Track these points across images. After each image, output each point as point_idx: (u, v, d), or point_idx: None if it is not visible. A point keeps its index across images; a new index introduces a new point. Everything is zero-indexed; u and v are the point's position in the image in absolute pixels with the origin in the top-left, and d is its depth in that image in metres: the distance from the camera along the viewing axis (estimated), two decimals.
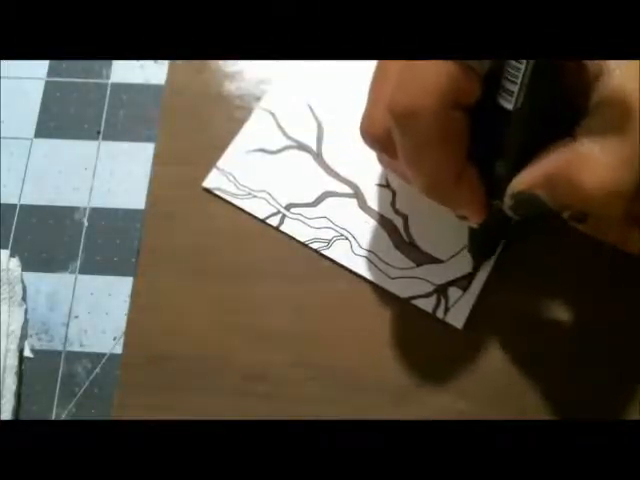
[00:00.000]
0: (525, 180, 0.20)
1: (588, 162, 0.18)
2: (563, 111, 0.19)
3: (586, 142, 0.19)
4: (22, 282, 0.26)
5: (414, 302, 0.25)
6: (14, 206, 0.28)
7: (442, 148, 0.20)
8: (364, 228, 0.26)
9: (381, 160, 0.24)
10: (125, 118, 0.29)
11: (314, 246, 0.26)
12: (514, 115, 0.19)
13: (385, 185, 0.27)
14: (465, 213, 0.22)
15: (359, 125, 0.23)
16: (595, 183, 0.18)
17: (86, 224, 0.28)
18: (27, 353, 0.26)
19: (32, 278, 0.27)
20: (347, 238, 0.26)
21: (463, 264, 0.25)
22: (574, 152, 0.19)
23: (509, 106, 0.19)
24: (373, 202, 0.26)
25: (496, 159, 0.21)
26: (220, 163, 0.27)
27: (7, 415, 0.24)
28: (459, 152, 0.20)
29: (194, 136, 0.28)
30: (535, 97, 0.19)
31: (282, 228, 0.26)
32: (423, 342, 0.25)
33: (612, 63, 0.19)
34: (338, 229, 0.26)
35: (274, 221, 0.26)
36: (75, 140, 0.29)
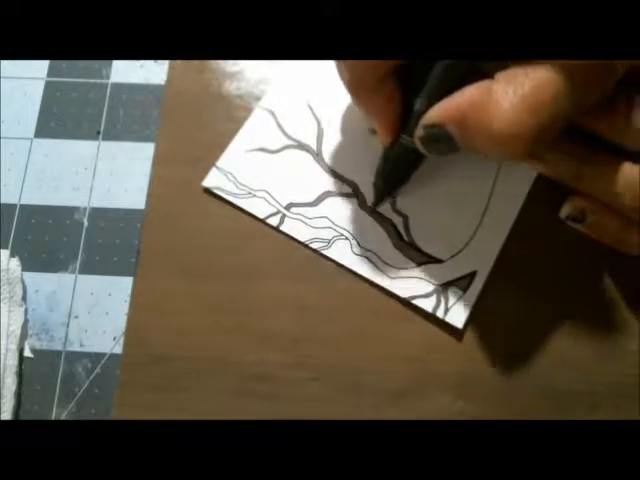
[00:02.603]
0: (437, 113, 0.20)
1: (497, 103, 0.19)
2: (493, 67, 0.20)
3: (502, 84, 0.19)
4: (22, 282, 0.26)
5: (414, 302, 0.25)
6: (14, 206, 0.28)
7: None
8: (364, 228, 0.26)
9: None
10: (125, 118, 0.29)
11: (314, 246, 0.26)
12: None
13: None
14: (377, 125, 0.23)
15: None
16: (500, 124, 0.19)
17: (86, 224, 0.28)
18: (27, 353, 0.26)
19: (32, 278, 0.27)
20: (347, 238, 0.26)
21: (463, 264, 0.25)
22: (487, 91, 0.19)
23: None
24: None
25: (416, 96, 0.22)
26: (220, 163, 0.27)
27: (7, 415, 0.24)
28: (382, 63, 0.21)
29: (194, 136, 0.28)
30: None
31: (282, 228, 0.26)
32: (423, 342, 0.25)
33: None
34: (338, 229, 0.26)
35: (274, 221, 0.26)
36: (75, 140, 0.29)
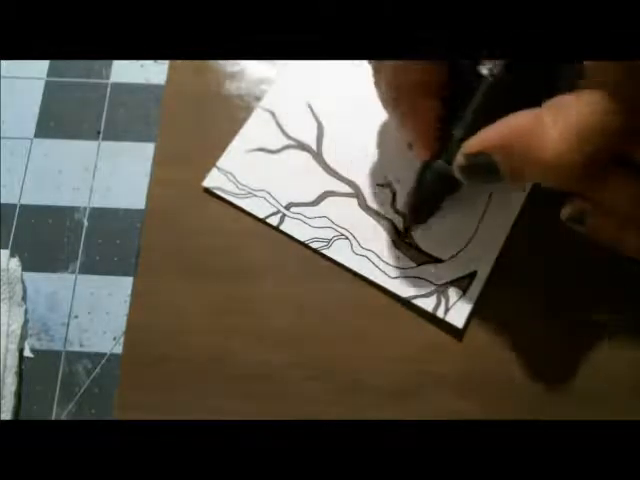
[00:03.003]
0: (483, 140, 0.19)
1: (547, 132, 0.18)
2: (546, 94, 0.19)
3: (551, 112, 0.18)
4: (22, 282, 0.26)
5: (414, 302, 0.25)
6: (14, 206, 0.28)
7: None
8: (364, 228, 0.26)
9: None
10: (125, 118, 0.29)
11: (314, 246, 0.26)
12: (485, 81, 0.20)
13: (385, 185, 0.27)
14: (415, 139, 0.23)
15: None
16: (549, 154, 0.18)
17: (86, 224, 0.27)
18: (27, 353, 0.26)
19: (32, 278, 0.27)
20: (347, 238, 0.26)
21: (463, 264, 0.25)
22: (536, 119, 0.19)
23: (485, 71, 0.19)
24: (373, 202, 0.26)
25: (457, 121, 0.21)
26: (220, 163, 0.27)
27: (7, 415, 0.24)
28: (429, 74, 0.22)
29: (194, 136, 0.28)
30: (512, 69, 0.19)
31: (282, 227, 0.26)
32: (423, 342, 0.25)
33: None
34: (338, 229, 0.26)
35: (274, 220, 0.26)
36: (75, 140, 0.29)
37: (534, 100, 0.19)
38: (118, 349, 0.26)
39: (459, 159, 0.20)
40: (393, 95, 0.22)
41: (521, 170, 0.19)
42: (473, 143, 0.20)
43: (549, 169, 0.18)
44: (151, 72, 0.30)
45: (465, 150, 0.20)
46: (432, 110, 0.22)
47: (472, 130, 0.20)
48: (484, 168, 0.20)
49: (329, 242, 0.26)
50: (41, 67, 0.30)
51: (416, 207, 0.25)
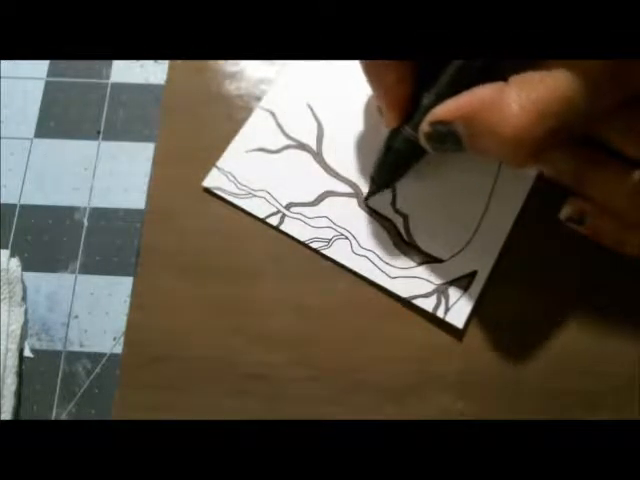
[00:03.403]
0: (446, 109, 0.20)
1: (509, 105, 0.18)
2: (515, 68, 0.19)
3: (515, 87, 0.19)
4: (22, 282, 0.26)
5: (414, 302, 0.25)
6: (14, 206, 0.28)
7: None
8: (364, 228, 0.26)
9: None
10: (125, 118, 0.29)
11: (314, 246, 0.26)
12: None
13: None
14: (384, 104, 0.23)
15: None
16: (508, 128, 0.18)
17: (86, 224, 0.27)
18: (27, 353, 0.26)
19: (32, 278, 0.27)
20: (347, 238, 0.26)
21: (463, 264, 0.25)
22: (500, 93, 0.19)
23: None
24: (373, 202, 0.26)
25: (426, 90, 0.22)
26: (220, 163, 0.27)
27: (7, 415, 0.24)
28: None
29: (194, 136, 0.28)
30: None
31: (282, 227, 0.26)
32: (423, 342, 0.25)
33: None
34: (338, 228, 0.26)
35: (274, 220, 0.26)
36: (75, 140, 0.29)
37: (503, 74, 0.19)
38: (118, 349, 0.26)
39: (424, 126, 0.21)
40: (364, 61, 0.22)
41: (481, 142, 0.19)
42: (438, 112, 0.20)
43: (508, 142, 0.18)
44: (151, 72, 0.30)
45: (430, 118, 0.20)
46: (401, 77, 0.22)
47: (440, 99, 0.20)
48: (447, 137, 0.20)
49: (329, 242, 0.26)
50: (41, 67, 0.30)
51: (382, 171, 0.25)
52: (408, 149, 0.24)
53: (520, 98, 0.18)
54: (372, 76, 0.23)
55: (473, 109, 0.19)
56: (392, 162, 0.25)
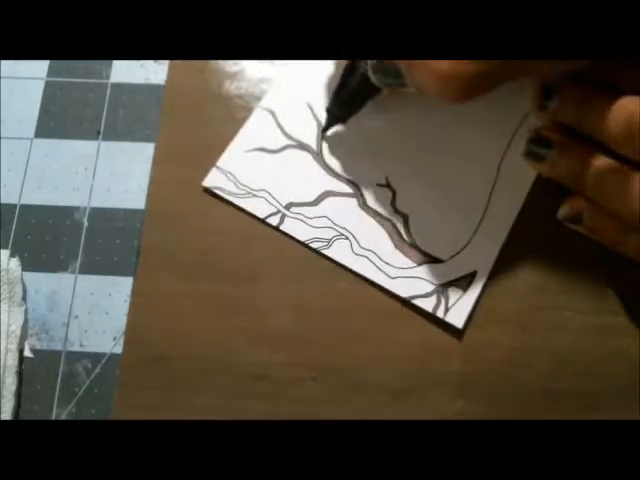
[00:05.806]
0: None
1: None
2: None
3: None
4: (22, 282, 0.26)
5: (414, 302, 0.25)
6: (14, 206, 0.28)
7: None
8: (364, 228, 0.26)
9: None
10: (125, 118, 0.29)
11: (314, 246, 0.26)
12: None
13: (385, 185, 0.27)
14: None
15: None
16: (445, 64, 0.20)
17: (86, 224, 0.27)
18: (27, 353, 0.26)
19: (32, 278, 0.27)
20: (347, 238, 0.26)
21: (463, 264, 0.25)
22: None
23: None
24: (373, 202, 0.26)
25: None
26: (220, 162, 0.27)
27: (7, 415, 0.24)
28: None
29: (194, 136, 0.28)
30: None
31: (282, 227, 0.26)
32: (423, 342, 0.25)
33: None
34: (338, 229, 0.26)
35: (274, 220, 0.26)
36: (75, 140, 0.29)
37: None
38: (118, 349, 0.26)
39: (372, 62, 0.23)
40: None
41: (420, 78, 0.21)
42: None
43: (443, 75, 0.20)
44: (151, 72, 0.30)
45: None
46: None
47: None
48: (392, 73, 0.22)
49: (329, 242, 0.26)
50: (41, 67, 0.30)
51: (338, 106, 0.26)
52: (363, 84, 0.25)
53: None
54: None
55: None
56: (348, 96, 0.26)
